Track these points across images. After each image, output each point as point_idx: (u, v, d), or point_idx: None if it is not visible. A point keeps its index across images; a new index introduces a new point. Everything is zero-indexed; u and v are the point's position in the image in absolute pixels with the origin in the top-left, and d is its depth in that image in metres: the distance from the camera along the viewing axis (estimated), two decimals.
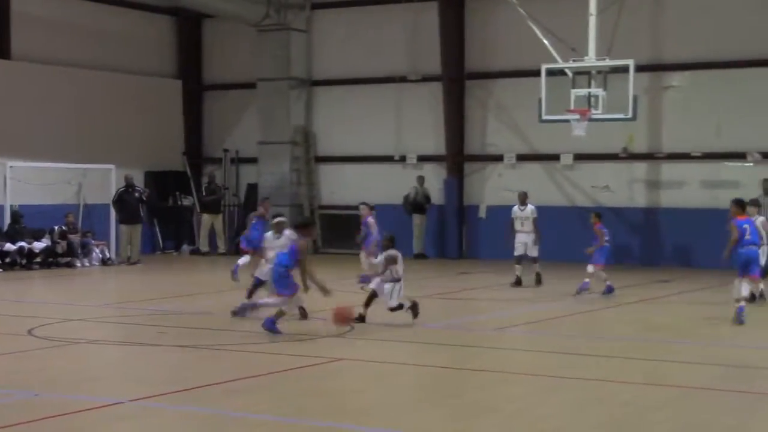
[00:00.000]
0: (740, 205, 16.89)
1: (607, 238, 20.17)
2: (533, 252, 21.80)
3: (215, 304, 18.34)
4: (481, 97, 29.42)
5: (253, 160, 31.88)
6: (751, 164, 26.12)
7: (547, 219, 27.53)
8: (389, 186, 29.86)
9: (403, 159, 30.23)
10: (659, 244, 27.07)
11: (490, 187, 29.32)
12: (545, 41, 23.55)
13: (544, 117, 22.89)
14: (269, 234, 17.08)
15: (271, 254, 16.28)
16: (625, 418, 9.62)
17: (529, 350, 13.77)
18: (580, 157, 27.77)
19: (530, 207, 22.10)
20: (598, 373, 12.02)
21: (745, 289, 16.28)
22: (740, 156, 26.18)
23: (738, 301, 16.15)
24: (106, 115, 30.31)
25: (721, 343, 14.49)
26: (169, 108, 32.67)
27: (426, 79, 29.66)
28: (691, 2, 26.69)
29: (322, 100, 31.65)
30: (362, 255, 21.97)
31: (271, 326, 14.48)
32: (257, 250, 19.03)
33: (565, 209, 27.74)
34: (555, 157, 28.10)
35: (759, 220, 18.51)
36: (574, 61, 22.42)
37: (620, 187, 27.52)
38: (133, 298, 20.01)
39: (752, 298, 18.28)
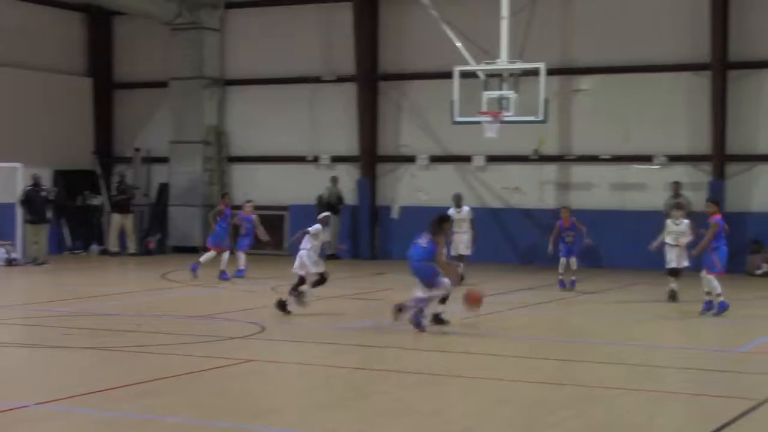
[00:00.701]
0: (717, 203, 17.91)
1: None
2: (466, 252, 22.32)
3: (124, 305, 18.11)
4: (395, 98, 29.51)
5: (164, 160, 31.55)
6: (658, 167, 26.61)
7: None
8: (302, 186, 29.79)
9: (316, 159, 30.18)
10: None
11: (403, 188, 29.43)
12: (458, 43, 23.72)
13: (457, 119, 23.07)
14: (317, 227, 17.24)
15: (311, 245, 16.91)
16: (534, 417, 9.72)
17: (442, 351, 13.82)
18: (491, 159, 28.01)
19: (465, 209, 22.70)
20: (508, 374, 12.14)
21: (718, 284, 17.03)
22: (647, 159, 26.66)
23: (719, 295, 16.92)
24: (13, 112, 29.71)
25: (627, 342, 14.71)
26: (79, 106, 32.15)
27: (340, 79, 29.67)
28: (601, 7, 27.10)
29: (236, 100, 31.45)
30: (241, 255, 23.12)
31: (418, 320, 14.96)
32: (222, 247, 22.47)
33: (476, 210, 27.90)
34: (467, 159, 28.31)
35: (684, 223, 19.08)
36: (486, 63, 22.62)
37: (531, 189, 27.83)
38: (38, 300, 19.62)
39: (673, 296, 18.76)
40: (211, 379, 11.52)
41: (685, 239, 18.90)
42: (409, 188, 29.30)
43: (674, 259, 18.97)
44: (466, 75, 22.78)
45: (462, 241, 22.40)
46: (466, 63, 22.92)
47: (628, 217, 26.27)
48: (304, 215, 29.25)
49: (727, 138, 25.84)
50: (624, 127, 26.84)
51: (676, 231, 18.98)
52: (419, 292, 15.13)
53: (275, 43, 30.64)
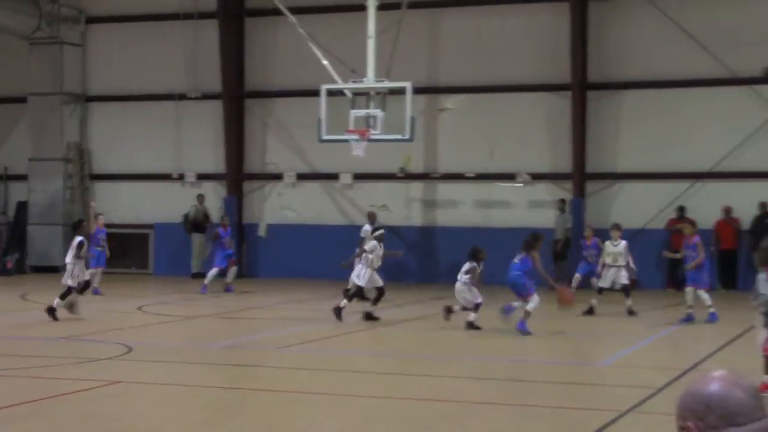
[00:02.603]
0: (694, 224, 20.10)
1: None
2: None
3: None
4: (262, 115, 29.45)
5: (23, 177, 30.77)
6: (521, 185, 27.20)
7: (326, 238, 27.90)
8: (168, 204, 29.42)
9: (182, 177, 29.86)
10: (435, 261, 27.75)
11: (270, 206, 29.35)
12: (325, 62, 23.80)
13: (324, 137, 23.10)
14: (374, 243, 19.23)
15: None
16: None
17: (311, 368, 13.85)
18: (359, 177, 28.18)
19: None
20: (379, 390, 12.22)
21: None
22: (511, 177, 27.22)
23: (710, 306, 18.49)
24: None
25: (496, 357, 14.99)
26: None
27: (206, 96, 29.43)
28: (466, 28, 27.59)
29: (98, 117, 30.91)
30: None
31: (524, 327, 16.66)
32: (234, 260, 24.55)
33: (343, 228, 28.08)
34: (334, 177, 28.42)
35: (622, 244, 19.93)
36: (353, 82, 22.74)
37: (397, 206, 28.09)
38: None
39: (590, 311, 19.62)
40: (77, 401, 11.28)
41: (623, 260, 19.84)
42: (276, 206, 29.24)
43: (609, 278, 19.78)
44: (333, 93, 22.85)
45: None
46: (334, 81, 23.01)
47: (493, 234, 26.73)
48: (170, 234, 29.05)
49: (587, 157, 26.58)
50: (488, 146, 27.36)
51: (614, 252, 19.80)
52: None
53: (139, 59, 30.22)
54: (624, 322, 19.23)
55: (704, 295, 18.68)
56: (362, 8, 22.74)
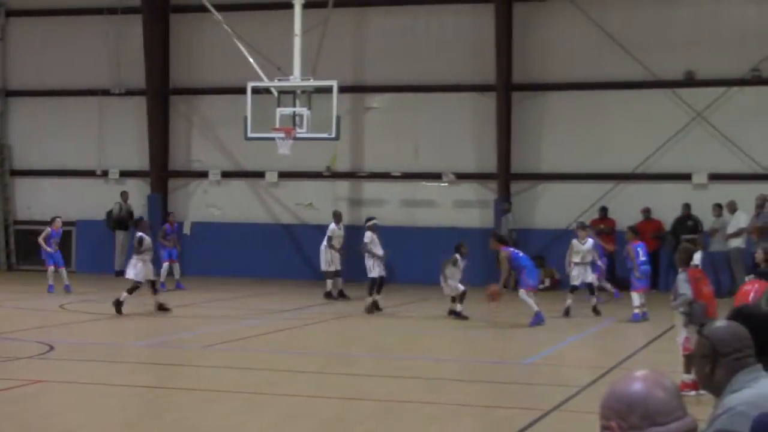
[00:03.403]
0: (634, 231, 20.55)
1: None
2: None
3: None
4: (186, 112, 29.21)
5: None
6: (446, 184, 27.34)
7: (252, 236, 27.78)
8: (91, 201, 29.03)
9: (105, 174, 29.50)
10: (360, 259, 27.66)
11: (195, 204, 29.13)
12: (251, 59, 23.66)
13: (250, 135, 22.97)
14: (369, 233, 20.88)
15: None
16: None
17: (235, 367, 13.79)
18: (284, 175, 28.09)
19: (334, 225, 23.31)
20: (303, 389, 12.20)
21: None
22: (437, 176, 27.35)
23: (638, 307, 19.16)
24: None
25: (420, 356, 15.05)
26: None
27: (129, 92, 29.10)
28: (392, 28, 27.65)
29: (19, 112, 30.40)
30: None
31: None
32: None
33: (269, 226, 27.98)
34: (260, 175, 28.29)
35: (590, 242, 20.27)
36: (279, 80, 22.64)
37: (324, 205, 27.99)
38: None
39: (567, 312, 19.82)
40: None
41: (590, 257, 20.20)
42: (202, 204, 29.03)
43: (577, 276, 20.04)
44: (259, 91, 22.74)
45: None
46: (260, 79, 22.89)
47: (419, 233, 26.85)
48: (93, 231, 28.69)
49: (512, 157, 26.80)
50: (414, 145, 27.45)
51: (583, 250, 20.06)
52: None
53: (61, 54, 29.77)
54: (549, 321, 19.42)
55: (635, 296, 19.30)
56: (289, 6, 22.62)
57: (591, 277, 20.22)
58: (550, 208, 26.56)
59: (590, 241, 20.32)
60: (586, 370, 13.53)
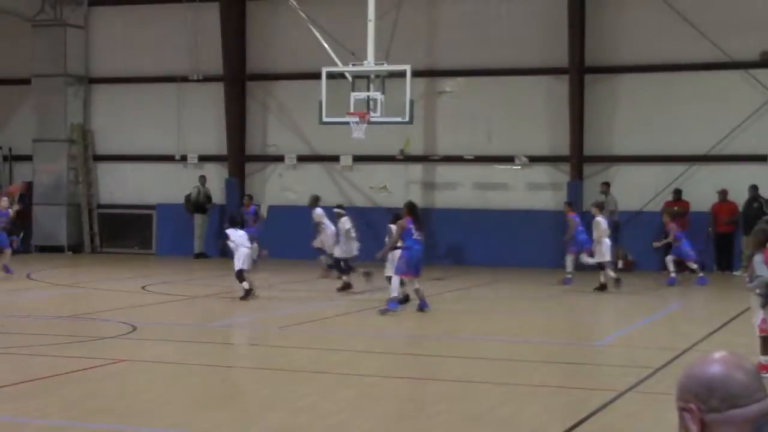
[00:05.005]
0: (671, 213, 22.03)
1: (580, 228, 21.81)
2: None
3: None
4: (263, 98, 29.42)
5: (28, 158, 30.76)
6: (519, 167, 27.19)
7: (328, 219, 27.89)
8: (171, 185, 29.43)
9: (184, 159, 29.85)
10: (434, 243, 27.66)
11: (271, 187, 29.35)
12: (325, 45, 23.75)
13: (325, 119, 23.06)
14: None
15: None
16: (406, 412, 9.87)
17: (312, 348, 13.88)
18: (358, 159, 28.17)
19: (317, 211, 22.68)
20: (379, 370, 12.26)
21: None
22: (509, 159, 27.21)
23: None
24: None
25: (492, 338, 15.03)
26: None
27: (207, 79, 29.38)
28: (464, 12, 27.52)
29: (101, 98, 30.87)
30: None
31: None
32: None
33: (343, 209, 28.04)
34: (335, 159, 28.40)
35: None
36: (353, 65, 22.68)
37: (397, 188, 28.06)
38: None
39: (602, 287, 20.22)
40: (82, 380, 11.32)
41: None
42: (277, 187, 29.24)
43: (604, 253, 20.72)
44: (333, 76, 22.79)
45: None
46: (334, 64, 22.95)
47: (491, 215, 26.76)
48: (173, 214, 29.08)
49: (585, 139, 26.56)
50: (486, 129, 27.34)
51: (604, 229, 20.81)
52: None
53: (141, 41, 30.17)
54: (620, 303, 19.26)
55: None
56: None
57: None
58: (623, 190, 26.26)
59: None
60: (659, 351, 13.39)
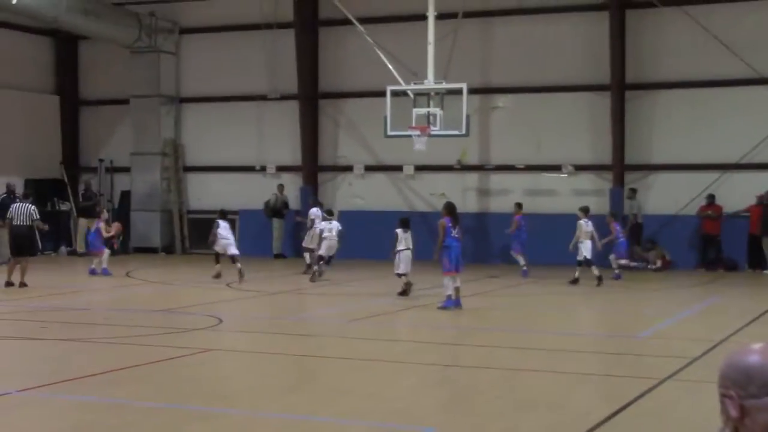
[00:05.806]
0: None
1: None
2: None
3: (92, 301, 17.88)
4: (333, 114, 29.54)
5: (126, 170, 31.22)
6: (566, 175, 26.98)
7: (391, 223, 27.86)
8: (251, 193, 29.68)
9: (263, 169, 30.08)
10: (488, 244, 27.65)
11: (342, 195, 29.45)
12: (390, 66, 23.81)
13: (389, 133, 23.14)
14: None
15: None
16: (464, 398, 9.82)
17: (379, 339, 13.89)
18: (420, 168, 28.16)
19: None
20: (439, 359, 12.22)
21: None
22: (556, 168, 27.01)
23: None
24: None
25: (542, 330, 14.90)
26: (48, 121, 31.66)
27: (284, 97, 29.58)
28: (516, 34, 27.38)
29: (190, 116, 31.23)
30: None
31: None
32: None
33: (406, 214, 27.99)
34: (398, 168, 28.42)
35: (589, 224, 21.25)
36: (415, 83, 22.73)
37: (455, 195, 27.87)
38: (14, 296, 19.26)
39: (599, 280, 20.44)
40: (175, 366, 11.44)
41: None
42: (347, 195, 29.33)
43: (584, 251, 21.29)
44: (397, 94, 22.88)
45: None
46: (397, 83, 23.02)
47: (540, 219, 26.55)
48: (253, 219, 29.33)
49: (625, 150, 26.28)
50: (536, 140, 27.17)
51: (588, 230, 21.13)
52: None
53: (225, 64, 30.47)
54: (659, 298, 18.99)
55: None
56: (423, 17, 22.75)
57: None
58: (661, 195, 25.95)
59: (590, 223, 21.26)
60: (697, 342, 13.17)
